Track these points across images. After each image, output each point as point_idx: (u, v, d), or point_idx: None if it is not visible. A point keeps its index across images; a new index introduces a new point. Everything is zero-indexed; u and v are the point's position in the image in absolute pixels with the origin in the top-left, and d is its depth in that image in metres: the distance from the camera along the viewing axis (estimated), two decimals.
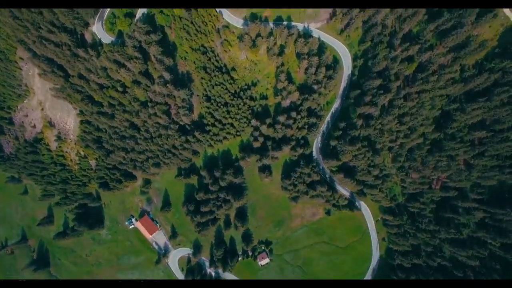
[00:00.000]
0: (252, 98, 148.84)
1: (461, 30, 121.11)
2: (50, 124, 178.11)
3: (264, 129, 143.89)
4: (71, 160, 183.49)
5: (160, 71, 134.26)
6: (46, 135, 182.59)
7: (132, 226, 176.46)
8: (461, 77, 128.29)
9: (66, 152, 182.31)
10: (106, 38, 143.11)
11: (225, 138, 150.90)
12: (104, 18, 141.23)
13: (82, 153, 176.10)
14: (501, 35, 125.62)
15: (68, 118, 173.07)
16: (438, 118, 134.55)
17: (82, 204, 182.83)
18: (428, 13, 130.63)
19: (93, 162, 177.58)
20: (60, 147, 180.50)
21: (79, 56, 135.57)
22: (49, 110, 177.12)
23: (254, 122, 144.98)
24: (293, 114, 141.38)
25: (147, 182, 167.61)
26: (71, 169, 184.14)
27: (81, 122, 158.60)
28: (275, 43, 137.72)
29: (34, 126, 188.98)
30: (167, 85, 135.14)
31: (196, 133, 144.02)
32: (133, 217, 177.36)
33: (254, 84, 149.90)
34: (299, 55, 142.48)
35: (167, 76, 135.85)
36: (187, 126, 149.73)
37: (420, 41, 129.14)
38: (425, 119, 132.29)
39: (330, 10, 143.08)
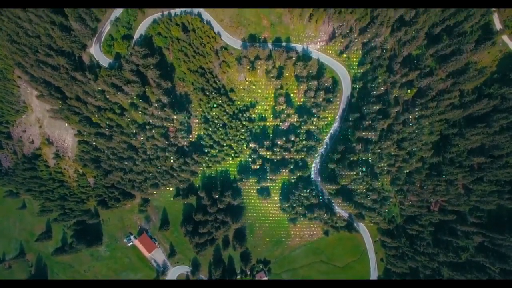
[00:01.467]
0: (250, 120, 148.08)
1: (460, 57, 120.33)
2: (48, 142, 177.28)
3: (262, 151, 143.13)
4: (69, 176, 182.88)
5: (158, 95, 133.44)
6: (44, 151, 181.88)
7: (131, 243, 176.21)
8: (460, 102, 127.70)
9: (64, 169, 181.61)
10: (104, 60, 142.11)
11: (223, 159, 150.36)
12: (102, 40, 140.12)
13: (80, 170, 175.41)
14: (499, 61, 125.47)
15: (66, 136, 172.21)
16: (437, 143, 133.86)
17: (80, 220, 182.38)
18: (427, 37, 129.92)
19: (91, 180, 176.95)
20: (58, 164, 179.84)
21: (77, 79, 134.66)
22: (47, 128, 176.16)
23: (252, 144, 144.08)
24: (292, 137, 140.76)
25: (145, 201, 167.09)
26: (69, 185, 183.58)
27: (79, 142, 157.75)
28: (273, 66, 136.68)
29: (32, 142, 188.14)
30: (165, 109, 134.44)
31: (194, 156, 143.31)
32: (131, 234, 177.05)
33: (253, 105, 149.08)
34: (298, 77, 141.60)
35: (165, 99, 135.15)
36: (185, 147, 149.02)
37: (420, 65, 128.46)
38: (424, 144, 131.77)
39: (330, 31, 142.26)
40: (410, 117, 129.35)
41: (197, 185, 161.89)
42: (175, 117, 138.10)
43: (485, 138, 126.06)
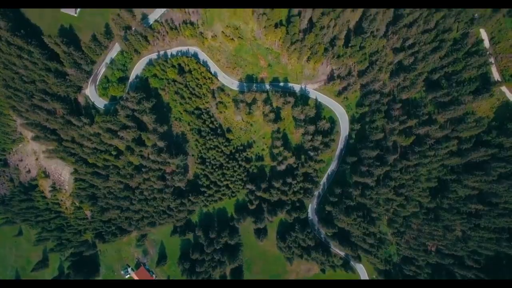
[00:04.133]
0: (247, 160, 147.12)
1: (458, 107, 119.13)
2: (45, 174, 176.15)
3: (259, 192, 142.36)
4: (66, 208, 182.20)
5: (154, 140, 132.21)
6: (41, 183, 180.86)
7: (128, 275, 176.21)
8: (458, 149, 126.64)
9: (61, 200, 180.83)
10: (99, 101, 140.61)
11: (220, 199, 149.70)
12: (97, 82, 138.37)
13: (77, 203, 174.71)
14: (497, 109, 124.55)
15: (62, 170, 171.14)
16: (435, 188, 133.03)
17: (77, 252, 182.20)
18: (426, 83, 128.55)
19: (88, 213, 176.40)
20: (55, 195, 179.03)
21: (72, 123, 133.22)
22: (43, 160, 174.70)
23: (249, 186, 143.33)
24: (289, 179, 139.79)
25: (143, 236, 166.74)
26: (66, 216, 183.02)
27: (75, 179, 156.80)
28: (271, 110, 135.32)
29: (29, 171, 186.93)
30: (161, 154, 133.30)
31: (191, 197, 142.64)
32: (129, 266, 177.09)
33: (250, 145, 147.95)
34: (296, 119, 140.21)
35: (161, 144, 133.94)
36: (182, 187, 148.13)
37: (418, 112, 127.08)
38: (422, 190, 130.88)
39: (328, 71, 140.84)
40: (409, 164, 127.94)
41: (194, 221, 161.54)
42: (171, 161, 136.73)
43: (483, 185, 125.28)
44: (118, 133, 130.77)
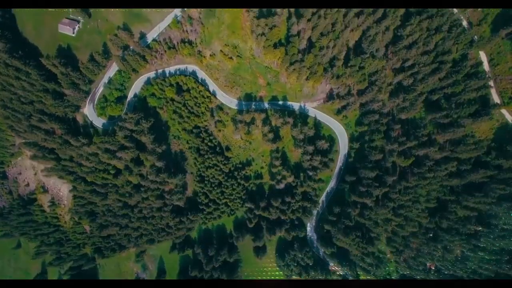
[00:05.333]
0: (246, 178, 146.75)
1: (458, 129, 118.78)
2: (44, 189, 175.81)
3: (258, 211, 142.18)
4: (65, 222, 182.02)
5: (152, 160, 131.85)
6: (40, 198, 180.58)
7: None
8: (457, 170, 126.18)
9: (60, 214, 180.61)
10: (98, 120, 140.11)
11: (219, 216, 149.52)
12: (95, 101, 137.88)
13: (76, 219, 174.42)
14: (496, 130, 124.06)
15: (61, 186, 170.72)
16: (434, 208, 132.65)
17: (76, 266, 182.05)
18: (426, 103, 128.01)
19: (87, 227, 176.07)
20: (54, 210, 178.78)
21: (70, 143, 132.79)
22: (42, 175, 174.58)
23: (248, 204, 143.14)
24: (288, 198, 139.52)
25: (142, 251, 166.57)
26: (65, 230, 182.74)
27: (74, 196, 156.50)
28: (270, 130, 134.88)
29: (28, 185, 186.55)
30: (160, 174, 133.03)
31: (190, 216, 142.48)
32: None
33: (249, 163, 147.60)
34: (295, 138, 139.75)
35: (159, 164, 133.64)
36: (181, 205, 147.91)
37: (418, 133, 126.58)
38: (421, 211, 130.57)
39: (327, 90, 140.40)
40: (408, 185, 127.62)
41: (194, 237, 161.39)
42: (170, 180, 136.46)
43: (483, 206, 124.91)
44: (116, 153, 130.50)
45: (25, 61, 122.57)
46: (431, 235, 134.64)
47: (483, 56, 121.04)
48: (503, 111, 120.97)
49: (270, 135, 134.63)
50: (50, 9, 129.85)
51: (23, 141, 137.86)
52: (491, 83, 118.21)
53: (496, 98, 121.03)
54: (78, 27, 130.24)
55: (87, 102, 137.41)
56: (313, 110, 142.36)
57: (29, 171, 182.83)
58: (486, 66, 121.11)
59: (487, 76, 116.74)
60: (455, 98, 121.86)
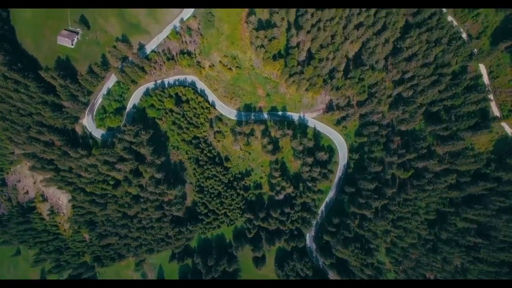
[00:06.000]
0: (245, 188, 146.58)
1: (457, 142, 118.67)
2: (43, 198, 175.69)
3: (257, 222, 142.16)
4: (64, 230, 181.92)
5: (151, 172, 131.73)
6: (39, 206, 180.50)
7: None
8: (457, 182, 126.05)
9: (59, 223, 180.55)
10: (97, 131, 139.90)
11: (218, 226, 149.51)
12: (94, 112, 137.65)
13: (76, 227, 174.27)
14: (496, 142, 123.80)
15: (61, 195, 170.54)
16: (434, 220, 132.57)
17: (76, 274, 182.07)
18: (426, 114, 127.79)
19: (87, 236, 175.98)
20: (53, 218, 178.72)
21: (69, 155, 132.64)
22: (41, 184, 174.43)
23: (247, 215, 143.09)
24: (287, 209, 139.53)
25: (141, 260, 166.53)
26: (64, 238, 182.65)
27: (73, 206, 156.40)
28: (269, 142, 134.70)
29: (27, 192, 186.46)
30: (159, 185, 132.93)
31: (190, 226, 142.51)
32: None
33: (248, 173, 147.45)
34: (294, 149, 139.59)
35: (158, 175, 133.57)
36: (180, 216, 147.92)
37: (417, 145, 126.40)
38: (420, 223, 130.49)
39: (327, 101, 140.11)
40: (407, 197, 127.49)
41: (193, 246, 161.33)
42: (169, 192, 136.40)
43: (482, 218, 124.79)
44: (116, 165, 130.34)
45: (24, 73, 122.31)
46: (430, 246, 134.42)
47: (482, 69, 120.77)
48: (503, 123, 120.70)
49: (270, 147, 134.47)
50: (49, 21, 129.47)
51: (22, 152, 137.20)
52: (491, 96, 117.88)
53: (495, 111, 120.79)
54: (77, 38, 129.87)
55: (86, 113, 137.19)
56: (313, 121, 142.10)
57: (28, 179, 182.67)
58: (485, 78, 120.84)
59: (486, 89, 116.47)
60: (454, 111, 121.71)
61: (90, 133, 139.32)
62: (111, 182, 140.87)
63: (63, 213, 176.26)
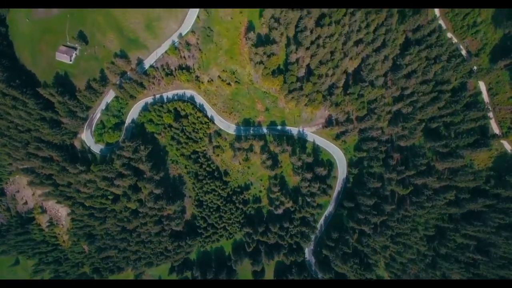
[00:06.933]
0: (244, 202, 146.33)
1: (457, 160, 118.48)
2: (42, 210, 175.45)
3: (256, 236, 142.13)
4: (63, 241, 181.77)
5: (150, 188, 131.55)
6: (38, 217, 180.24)
7: None
8: (456, 198, 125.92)
9: (59, 234, 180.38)
10: (95, 146, 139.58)
11: (217, 240, 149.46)
12: (93, 127, 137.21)
13: (75, 240, 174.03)
14: (495, 159, 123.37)
15: (60, 207, 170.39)
16: (433, 236, 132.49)
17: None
18: (425, 130, 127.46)
19: (86, 247, 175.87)
20: (52, 229, 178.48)
21: (68, 171, 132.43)
22: (40, 198, 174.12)
23: (246, 229, 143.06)
24: (286, 224, 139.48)
25: (140, 273, 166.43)
26: (64, 249, 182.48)
27: (72, 219, 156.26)
28: (268, 158, 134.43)
29: (26, 203, 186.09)
30: (158, 201, 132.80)
31: (188, 241, 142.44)
32: None
33: (247, 187, 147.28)
34: (293, 165, 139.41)
35: (157, 191, 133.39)
36: (179, 229, 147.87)
37: (416, 162, 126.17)
38: (419, 239, 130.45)
39: (326, 115, 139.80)
40: (406, 214, 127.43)
41: (192, 259, 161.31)
42: (168, 207, 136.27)
43: (482, 234, 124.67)
44: (114, 181, 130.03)
45: (22, 90, 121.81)
46: (429, 261, 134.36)
47: (482, 86, 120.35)
48: (503, 141, 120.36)
49: (269, 162, 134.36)
50: (47, 36, 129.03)
51: (21, 167, 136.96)
52: (490, 114, 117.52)
53: (495, 128, 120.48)
54: (76, 54, 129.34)
55: (85, 127, 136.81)
56: (312, 135, 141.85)
57: (27, 189, 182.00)
58: (485, 95, 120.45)
59: (486, 107, 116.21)
60: (454, 127, 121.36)
61: (89, 147, 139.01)
62: (110, 197, 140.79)
63: (62, 224, 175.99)
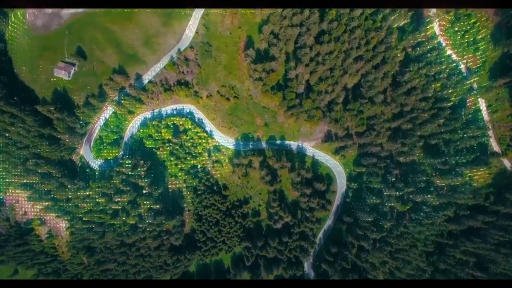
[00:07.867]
0: (244, 216, 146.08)
1: (456, 178, 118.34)
2: (41, 221, 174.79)
3: (255, 250, 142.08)
4: (62, 252, 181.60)
5: (149, 204, 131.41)
6: (37, 229, 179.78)
7: None
8: (455, 214, 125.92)
9: (58, 245, 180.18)
10: (94, 161, 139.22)
11: (217, 253, 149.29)
12: (92, 142, 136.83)
13: (74, 252, 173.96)
14: (495, 175, 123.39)
15: (59, 219, 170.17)
16: (432, 252, 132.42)
17: None
18: (424, 146, 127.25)
19: (85, 258, 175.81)
20: (51, 241, 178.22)
21: (67, 186, 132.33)
22: (39, 213, 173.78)
23: (245, 243, 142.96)
24: (285, 238, 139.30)
25: None
26: (63, 260, 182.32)
27: (71, 232, 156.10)
28: (267, 173, 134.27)
29: (25, 213, 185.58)
30: (157, 217, 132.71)
31: (188, 255, 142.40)
32: None
33: (246, 200, 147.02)
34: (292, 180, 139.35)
35: (156, 207, 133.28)
36: (178, 244, 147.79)
37: (415, 179, 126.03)
38: (418, 255, 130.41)
39: (325, 130, 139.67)
40: (405, 231, 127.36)
41: (192, 271, 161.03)
42: (167, 223, 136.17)
43: (481, 251, 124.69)
44: (113, 197, 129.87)
45: (21, 107, 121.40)
46: (428, 276, 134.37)
47: (481, 103, 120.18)
48: (502, 158, 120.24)
49: (268, 178, 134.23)
50: (45, 52, 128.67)
51: (19, 183, 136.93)
52: (490, 132, 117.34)
53: (494, 145, 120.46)
54: (74, 70, 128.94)
55: (83, 142, 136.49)
56: (311, 149, 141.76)
57: (26, 200, 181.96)
58: (484, 112, 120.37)
59: (485, 125, 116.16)
60: (454, 144, 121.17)
61: (88, 163, 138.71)
62: (109, 212, 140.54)
63: (61, 236, 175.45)
